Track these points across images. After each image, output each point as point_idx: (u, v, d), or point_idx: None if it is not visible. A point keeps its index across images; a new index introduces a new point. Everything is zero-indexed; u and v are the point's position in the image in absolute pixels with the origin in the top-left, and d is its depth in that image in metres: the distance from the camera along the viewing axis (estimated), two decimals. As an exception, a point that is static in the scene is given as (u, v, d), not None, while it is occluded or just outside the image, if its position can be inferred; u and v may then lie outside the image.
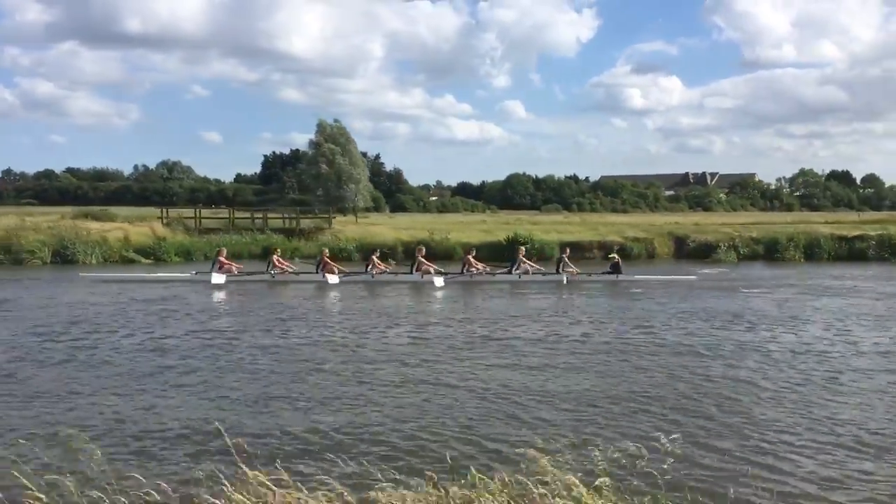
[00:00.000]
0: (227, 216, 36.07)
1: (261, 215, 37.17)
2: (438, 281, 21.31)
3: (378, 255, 23.15)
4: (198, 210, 36.14)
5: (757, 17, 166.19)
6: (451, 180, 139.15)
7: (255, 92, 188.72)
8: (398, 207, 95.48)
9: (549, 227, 34.27)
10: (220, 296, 18.84)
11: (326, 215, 33.89)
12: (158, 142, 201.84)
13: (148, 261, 25.93)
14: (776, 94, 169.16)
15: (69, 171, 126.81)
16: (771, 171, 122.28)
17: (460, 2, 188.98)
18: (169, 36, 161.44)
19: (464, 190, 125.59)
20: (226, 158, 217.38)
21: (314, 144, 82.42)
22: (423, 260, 22.49)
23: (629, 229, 32.18)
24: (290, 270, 22.39)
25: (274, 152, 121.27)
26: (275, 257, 22.19)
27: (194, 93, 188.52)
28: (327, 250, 23.24)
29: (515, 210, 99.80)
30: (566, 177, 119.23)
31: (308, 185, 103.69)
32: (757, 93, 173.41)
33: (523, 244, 26.82)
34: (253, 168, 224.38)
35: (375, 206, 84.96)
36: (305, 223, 34.39)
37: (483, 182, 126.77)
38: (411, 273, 22.17)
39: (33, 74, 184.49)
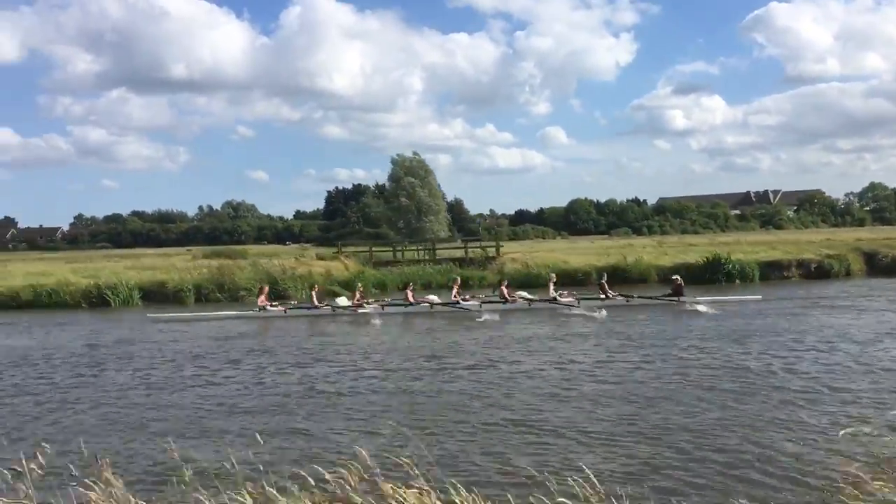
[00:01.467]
0: (366, 250, 36.89)
1: (407, 247, 37.53)
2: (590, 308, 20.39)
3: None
4: (371, 248, 37.13)
5: (798, 32, 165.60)
6: (497, 208, 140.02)
7: (299, 130, 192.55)
8: (469, 235, 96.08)
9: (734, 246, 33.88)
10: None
11: (493, 243, 34.21)
12: (207, 183, 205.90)
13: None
14: (821, 109, 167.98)
15: (135, 213, 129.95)
16: (820, 186, 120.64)
17: (497, 32, 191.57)
18: (213, 79, 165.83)
19: (522, 217, 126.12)
20: (272, 196, 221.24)
21: (393, 178, 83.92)
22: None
23: (808, 246, 31.94)
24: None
25: (336, 188, 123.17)
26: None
27: (240, 133, 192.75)
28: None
29: (580, 235, 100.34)
30: (628, 200, 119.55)
31: (377, 218, 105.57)
32: (802, 108, 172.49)
33: (725, 263, 27.30)
34: (297, 204, 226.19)
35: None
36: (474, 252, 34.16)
37: (541, 209, 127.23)
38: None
39: (85, 122, 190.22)
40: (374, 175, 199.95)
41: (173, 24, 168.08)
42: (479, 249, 33.93)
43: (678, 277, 22.58)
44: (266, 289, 22.71)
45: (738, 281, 27.48)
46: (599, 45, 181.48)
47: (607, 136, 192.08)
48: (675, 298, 21.09)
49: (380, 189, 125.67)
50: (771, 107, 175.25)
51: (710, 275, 26.96)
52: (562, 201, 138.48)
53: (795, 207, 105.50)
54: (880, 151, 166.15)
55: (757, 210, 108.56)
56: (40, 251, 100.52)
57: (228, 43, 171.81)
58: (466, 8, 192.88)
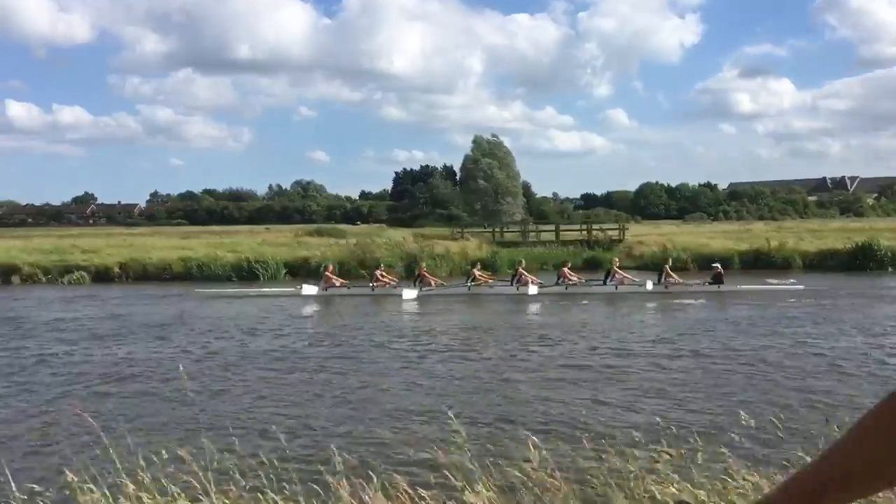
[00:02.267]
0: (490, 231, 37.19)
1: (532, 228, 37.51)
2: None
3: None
4: (494, 228, 37.62)
5: (873, 13, 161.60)
6: (560, 192, 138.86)
7: (359, 111, 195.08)
8: (542, 218, 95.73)
9: (830, 233, 33.60)
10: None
11: (617, 226, 34.18)
12: (270, 162, 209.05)
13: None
14: (895, 93, 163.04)
15: (206, 191, 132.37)
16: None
17: (559, 13, 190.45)
18: (276, 60, 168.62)
19: (589, 201, 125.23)
20: (335, 176, 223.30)
21: (470, 160, 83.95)
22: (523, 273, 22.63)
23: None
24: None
25: (405, 169, 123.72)
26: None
27: (301, 114, 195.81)
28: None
29: (651, 220, 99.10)
30: (700, 184, 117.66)
31: (447, 199, 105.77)
32: (874, 92, 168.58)
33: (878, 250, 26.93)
34: (359, 185, 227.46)
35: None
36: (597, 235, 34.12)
37: (608, 192, 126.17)
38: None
39: (153, 101, 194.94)
40: (432, 156, 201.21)
41: (238, 5, 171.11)
42: (599, 232, 33.90)
43: (718, 265, 22.58)
44: (331, 266, 23.50)
45: (890, 268, 26.71)
46: (664, 26, 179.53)
47: (671, 119, 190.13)
48: (716, 286, 21.18)
49: (448, 170, 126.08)
50: (842, 91, 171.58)
51: (861, 261, 26.46)
52: (623, 185, 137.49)
53: (876, 195, 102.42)
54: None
55: (835, 197, 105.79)
56: (120, 226, 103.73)
57: (291, 24, 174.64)
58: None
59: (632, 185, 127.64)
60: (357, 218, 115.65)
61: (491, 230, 37.18)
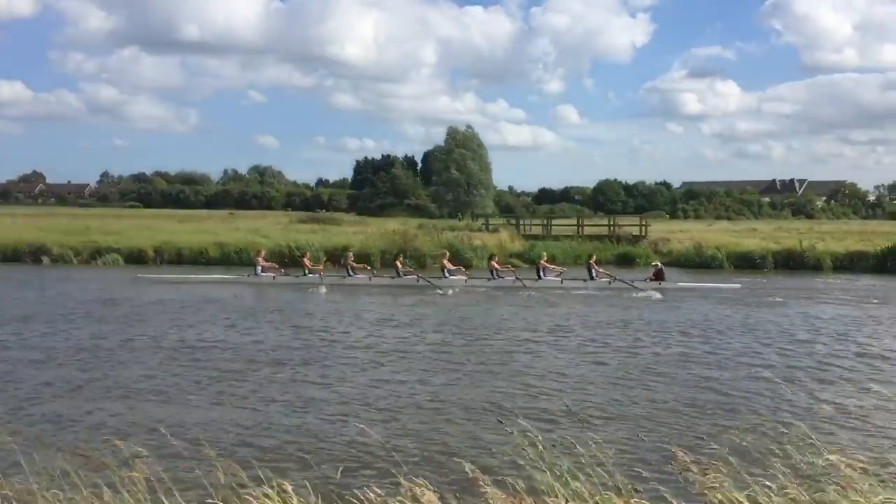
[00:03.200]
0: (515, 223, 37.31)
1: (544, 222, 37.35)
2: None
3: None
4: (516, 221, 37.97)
5: (817, 20, 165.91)
6: (513, 185, 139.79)
7: (310, 97, 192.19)
8: (508, 212, 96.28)
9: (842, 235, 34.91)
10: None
11: (639, 222, 34.43)
12: (218, 146, 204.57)
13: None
14: (837, 100, 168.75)
15: (158, 173, 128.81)
16: (832, 177, 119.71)
17: (513, 7, 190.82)
18: (226, 42, 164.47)
19: (546, 195, 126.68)
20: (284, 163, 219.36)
21: (443, 150, 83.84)
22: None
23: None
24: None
25: (366, 157, 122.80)
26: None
27: (251, 98, 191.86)
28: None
29: (609, 216, 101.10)
30: (656, 183, 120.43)
31: (407, 188, 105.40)
32: (817, 98, 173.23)
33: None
34: (308, 172, 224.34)
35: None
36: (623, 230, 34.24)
37: (566, 188, 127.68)
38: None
39: (97, 80, 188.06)
40: (383, 145, 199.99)
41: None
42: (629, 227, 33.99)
43: (658, 263, 22.93)
44: (263, 252, 23.41)
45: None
46: (616, 25, 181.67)
47: (620, 117, 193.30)
48: (658, 283, 21.22)
49: (409, 160, 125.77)
50: (786, 95, 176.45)
51: (892, 263, 26.83)
52: (572, 181, 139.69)
53: (825, 197, 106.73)
54: (892, 144, 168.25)
55: (786, 198, 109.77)
56: (69, 207, 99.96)
57: (243, 6, 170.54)
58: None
59: (580, 181, 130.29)
60: (317, 205, 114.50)
61: (515, 223, 37.39)
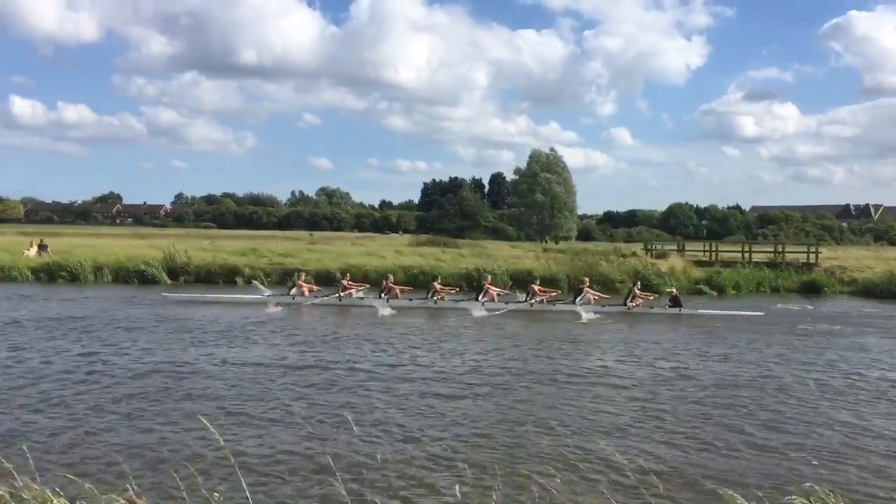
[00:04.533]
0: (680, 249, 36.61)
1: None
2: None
3: None
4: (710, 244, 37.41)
5: (878, 41, 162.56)
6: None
7: (363, 120, 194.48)
8: (582, 237, 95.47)
9: None
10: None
11: (806, 249, 33.49)
12: (273, 167, 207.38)
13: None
14: None
15: (227, 195, 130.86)
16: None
17: (566, 30, 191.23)
18: (282, 66, 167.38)
19: (610, 218, 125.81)
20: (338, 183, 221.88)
21: (527, 174, 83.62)
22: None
23: None
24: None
25: (434, 179, 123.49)
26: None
27: (305, 120, 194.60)
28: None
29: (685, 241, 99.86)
30: (729, 207, 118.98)
31: (478, 212, 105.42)
32: (879, 121, 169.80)
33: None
34: (368, 194, 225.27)
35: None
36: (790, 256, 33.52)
37: (632, 211, 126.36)
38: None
39: (157, 103, 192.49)
40: (436, 168, 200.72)
41: (246, 10, 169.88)
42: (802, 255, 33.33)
43: (674, 290, 22.65)
44: (304, 275, 22.47)
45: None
46: (670, 47, 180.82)
47: (674, 139, 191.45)
48: (677, 309, 20.90)
49: (476, 183, 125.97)
50: (846, 118, 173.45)
51: None
52: (625, 204, 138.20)
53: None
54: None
55: (864, 224, 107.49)
56: (147, 227, 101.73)
57: (298, 31, 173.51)
58: (536, 5, 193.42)
59: (633, 204, 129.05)
60: (386, 227, 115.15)
61: (680, 248, 36.84)
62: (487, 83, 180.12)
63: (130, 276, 26.34)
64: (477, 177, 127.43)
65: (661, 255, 32.26)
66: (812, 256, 32.61)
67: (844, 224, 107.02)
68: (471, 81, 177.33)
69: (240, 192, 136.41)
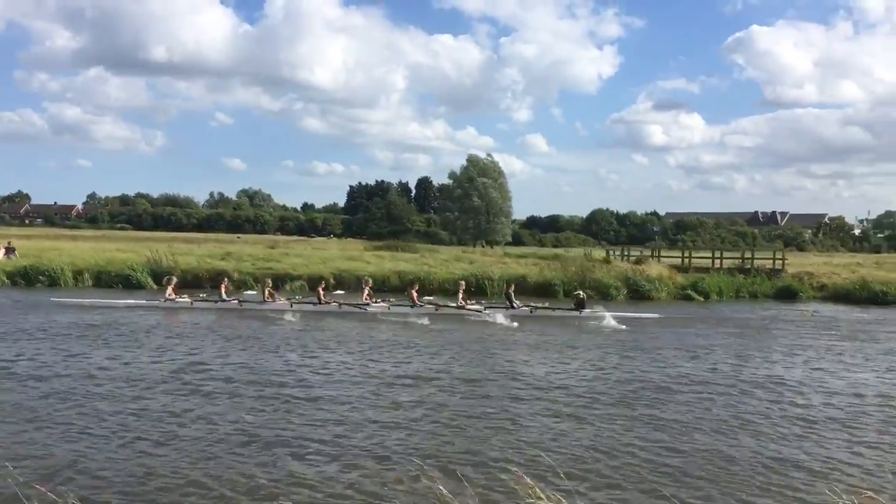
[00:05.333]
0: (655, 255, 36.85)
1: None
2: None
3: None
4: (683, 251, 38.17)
5: (778, 56, 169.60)
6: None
7: (278, 120, 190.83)
8: (512, 242, 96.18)
9: None
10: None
11: (772, 255, 34.32)
12: (183, 167, 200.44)
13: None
14: (798, 134, 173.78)
15: (139, 196, 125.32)
16: (788, 209, 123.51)
17: (483, 36, 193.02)
18: (193, 64, 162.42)
19: (535, 223, 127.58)
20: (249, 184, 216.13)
21: (464, 178, 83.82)
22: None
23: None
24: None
25: (360, 183, 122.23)
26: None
27: (218, 120, 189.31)
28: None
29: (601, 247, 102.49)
30: (647, 213, 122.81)
31: (405, 216, 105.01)
32: (778, 132, 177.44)
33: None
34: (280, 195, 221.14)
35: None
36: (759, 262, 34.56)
37: (554, 216, 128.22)
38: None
39: (61, 99, 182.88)
40: (353, 170, 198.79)
41: (155, 5, 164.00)
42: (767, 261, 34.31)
43: (581, 292, 22.91)
44: (175, 280, 21.86)
45: None
46: (583, 56, 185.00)
47: (587, 146, 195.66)
48: (578, 311, 21.16)
49: (403, 186, 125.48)
50: (748, 128, 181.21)
51: None
52: (542, 210, 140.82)
53: (813, 230, 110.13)
54: (853, 178, 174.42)
55: (773, 230, 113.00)
56: (58, 228, 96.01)
57: (211, 28, 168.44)
58: (452, 10, 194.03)
59: (549, 210, 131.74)
60: (311, 230, 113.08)
61: (655, 254, 37.43)
62: (405, 87, 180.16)
63: (113, 280, 24.77)
64: (403, 181, 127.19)
65: (638, 262, 32.79)
66: (778, 263, 33.88)
67: (756, 230, 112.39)
68: (388, 84, 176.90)
69: (151, 193, 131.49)
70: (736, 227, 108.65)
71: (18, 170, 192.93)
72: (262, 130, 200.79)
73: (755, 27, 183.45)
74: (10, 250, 29.39)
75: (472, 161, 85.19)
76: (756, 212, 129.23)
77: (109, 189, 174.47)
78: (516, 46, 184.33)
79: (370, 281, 22.40)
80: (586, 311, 21.18)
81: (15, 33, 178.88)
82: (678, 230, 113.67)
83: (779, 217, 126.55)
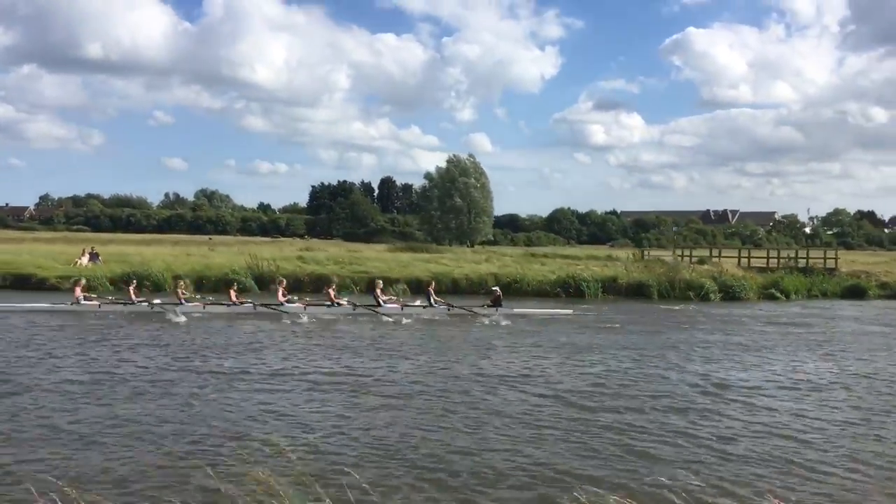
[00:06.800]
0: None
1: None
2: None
3: None
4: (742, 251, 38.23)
5: (714, 57, 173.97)
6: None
7: (219, 119, 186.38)
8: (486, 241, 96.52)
9: None
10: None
11: (823, 253, 35.89)
12: (122, 167, 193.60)
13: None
14: (733, 133, 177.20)
15: (90, 196, 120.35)
16: (728, 206, 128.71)
17: (425, 35, 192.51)
18: (130, 62, 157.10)
19: (497, 223, 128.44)
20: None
21: (446, 178, 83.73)
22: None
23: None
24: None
25: (322, 183, 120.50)
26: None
27: (157, 119, 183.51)
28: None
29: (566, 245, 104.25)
30: (606, 212, 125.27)
31: (368, 216, 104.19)
32: (715, 131, 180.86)
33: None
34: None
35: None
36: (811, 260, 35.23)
37: (515, 215, 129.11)
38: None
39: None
40: (296, 170, 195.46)
41: (90, 2, 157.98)
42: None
43: (497, 289, 23.08)
44: (83, 282, 21.10)
45: None
46: (525, 56, 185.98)
47: (531, 146, 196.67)
48: (495, 309, 21.15)
49: (366, 186, 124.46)
50: (686, 128, 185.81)
51: None
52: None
53: (767, 228, 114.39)
54: (786, 177, 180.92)
55: (728, 228, 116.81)
56: (12, 230, 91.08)
57: (148, 25, 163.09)
58: (395, 9, 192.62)
59: (497, 210, 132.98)
60: (274, 230, 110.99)
61: (710, 254, 38.12)
62: (348, 86, 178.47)
63: (217, 285, 24.00)
64: (366, 180, 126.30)
65: (702, 262, 33.49)
66: (830, 262, 34.96)
67: (713, 228, 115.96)
68: (331, 83, 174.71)
69: (92, 192, 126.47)
70: (695, 226, 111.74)
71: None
72: (202, 129, 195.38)
73: (692, 29, 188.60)
74: (93, 255, 28.15)
75: (454, 161, 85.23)
76: (708, 210, 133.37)
77: (41, 189, 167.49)
78: (459, 46, 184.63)
79: (284, 281, 21.89)
80: (502, 309, 21.02)
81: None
82: (638, 228, 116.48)
83: (730, 215, 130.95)
